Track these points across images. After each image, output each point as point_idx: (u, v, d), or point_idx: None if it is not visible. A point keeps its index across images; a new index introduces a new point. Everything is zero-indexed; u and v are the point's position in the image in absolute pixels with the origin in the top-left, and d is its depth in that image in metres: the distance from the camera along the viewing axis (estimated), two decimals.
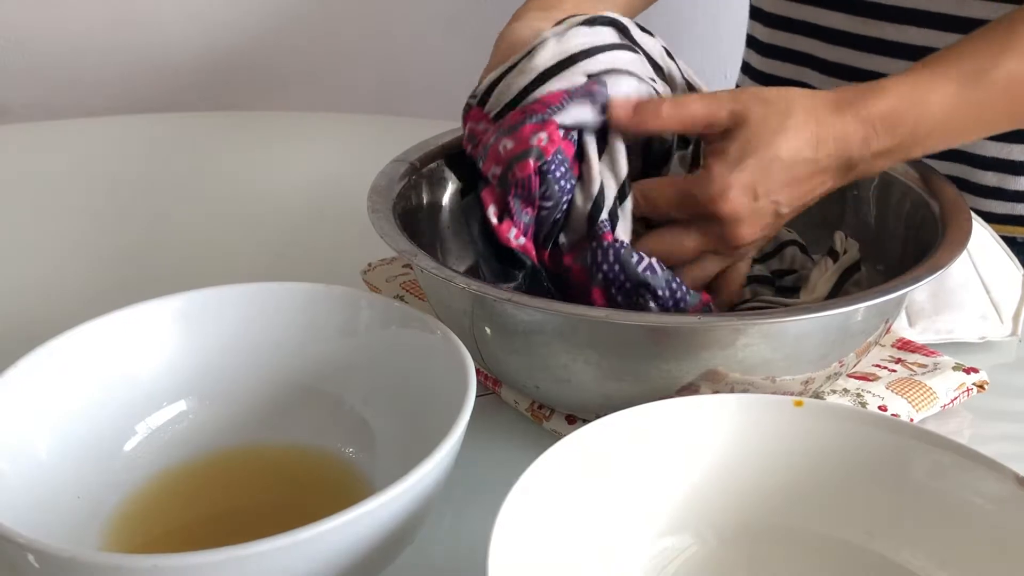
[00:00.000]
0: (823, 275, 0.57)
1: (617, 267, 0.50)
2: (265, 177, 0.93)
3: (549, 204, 0.51)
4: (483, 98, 0.55)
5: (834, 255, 0.58)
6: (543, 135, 0.51)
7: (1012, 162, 0.72)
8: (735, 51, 0.92)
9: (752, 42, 0.85)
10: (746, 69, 0.87)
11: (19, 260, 0.78)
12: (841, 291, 0.56)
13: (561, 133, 0.51)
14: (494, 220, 0.52)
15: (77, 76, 1.38)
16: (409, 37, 1.41)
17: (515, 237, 0.52)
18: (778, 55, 0.81)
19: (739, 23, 0.90)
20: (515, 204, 0.51)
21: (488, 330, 0.50)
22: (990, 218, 0.74)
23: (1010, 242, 0.66)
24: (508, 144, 0.51)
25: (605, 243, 0.51)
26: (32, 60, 1.37)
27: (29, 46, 1.36)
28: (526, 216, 0.52)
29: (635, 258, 0.50)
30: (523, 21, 0.58)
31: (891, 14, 0.72)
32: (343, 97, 1.43)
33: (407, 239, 0.52)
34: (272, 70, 1.41)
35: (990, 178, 0.73)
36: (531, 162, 0.50)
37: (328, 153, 0.98)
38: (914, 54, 0.71)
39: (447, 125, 0.66)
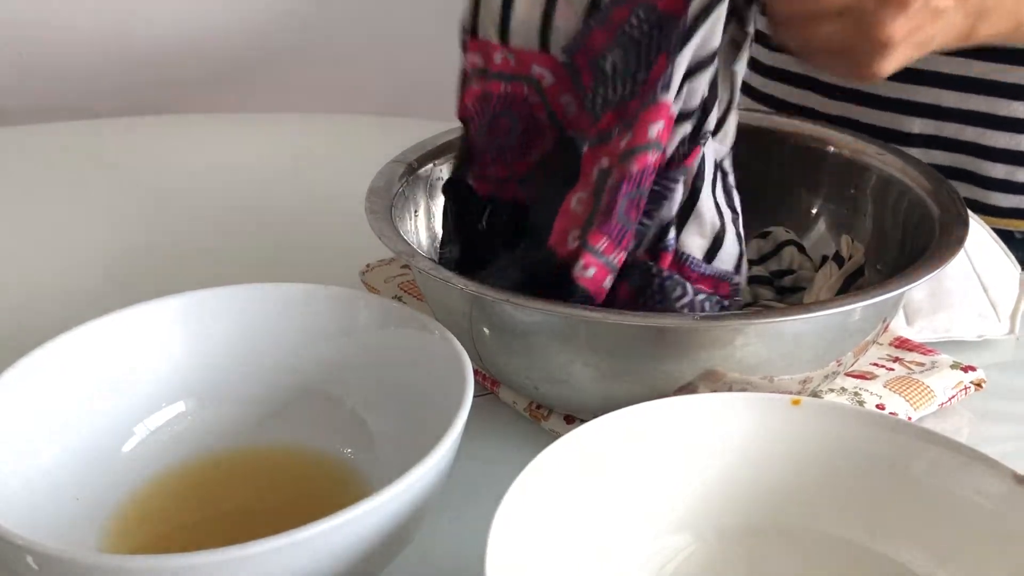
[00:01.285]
0: (827, 281, 0.57)
1: (658, 296, 0.49)
2: (264, 178, 0.92)
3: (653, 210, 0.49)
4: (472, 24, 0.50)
5: (839, 260, 0.58)
6: (659, 125, 0.46)
7: (1021, 153, 0.72)
8: None
9: (754, 64, 0.85)
10: (747, 90, 0.87)
11: (16, 261, 0.78)
12: None
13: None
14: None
15: (75, 78, 1.38)
16: (408, 37, 1.41)
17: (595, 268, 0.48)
18: (781, 77, 0.81)
19: None
20: (621, 207, 0.47)
21: (486, 331, 0.50)
22: (997, 212, 0.74)
23: (1016, 241, 0.66)
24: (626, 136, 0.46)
25: (658, 269, 0.49)
26: (29, 62, 1.37)
27: (26, 48, 1.36)
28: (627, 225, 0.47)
29: (677, 292, 0.49)
30: None
31: None
32: (342, 98, 1.43)
33: (405, 240, 0.52)
34: (272, 72, 1.41)
35: (998, 170, 0.73)
36: (649, 156, 0.46)
37: (326, 154, 0.98)
38: (917, 75, 0.71)
39: (446, 125, 0.66)
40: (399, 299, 0.64)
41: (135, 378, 0.49)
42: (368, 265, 0.69)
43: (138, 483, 0.47)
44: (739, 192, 0.54)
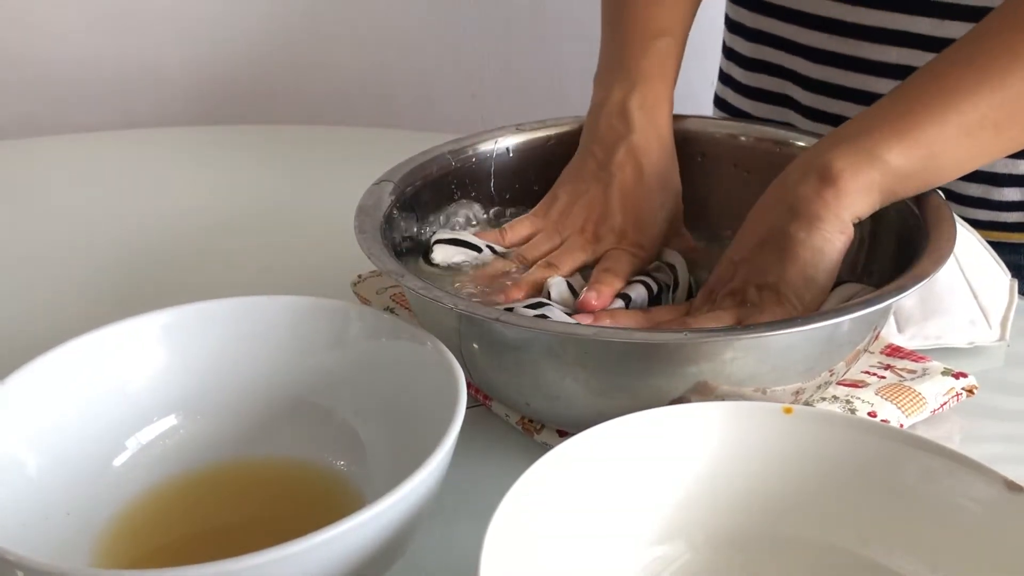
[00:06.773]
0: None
1: None
2: (254, 190, 0.92)
3: None
4: None
5: None
6: None
7: (995, 174, 0.73)
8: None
9: (733, 55, 0.85)
10: (727, 80, 0.87)
11: (6, 277, 0.77)
12: None
13: None
14: None
15: (68, 92, 1.38)
16: (397, 50, 1.42)
17: None
18: (762, 69, 0.81)
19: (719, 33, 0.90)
20: None
21: (476, 348, 0.50)
22: (976, 224, 0.74)
23: (998, 248, 0.66)
24: None
25: None
26: (23, 77, 1.37)
27: (19, 63, 1.36)
28: None
29: None
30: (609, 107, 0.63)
31: (871, 34, 0.72)
32: (331, 109, 1.44)
33: (395, 259, 0.52)
34: (261, 84, 1.42)
35: (974, 189, 0.74)
36: None
37: (316, 165, 0.98)
38: (896, 73, 0.71)
39: (436, 139, 0.66)
40: (391, 311, 0.64)
41: (126, 392, 0.49)
42: (360, 276, 0.69)
43: (130, 497, 0.47)
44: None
